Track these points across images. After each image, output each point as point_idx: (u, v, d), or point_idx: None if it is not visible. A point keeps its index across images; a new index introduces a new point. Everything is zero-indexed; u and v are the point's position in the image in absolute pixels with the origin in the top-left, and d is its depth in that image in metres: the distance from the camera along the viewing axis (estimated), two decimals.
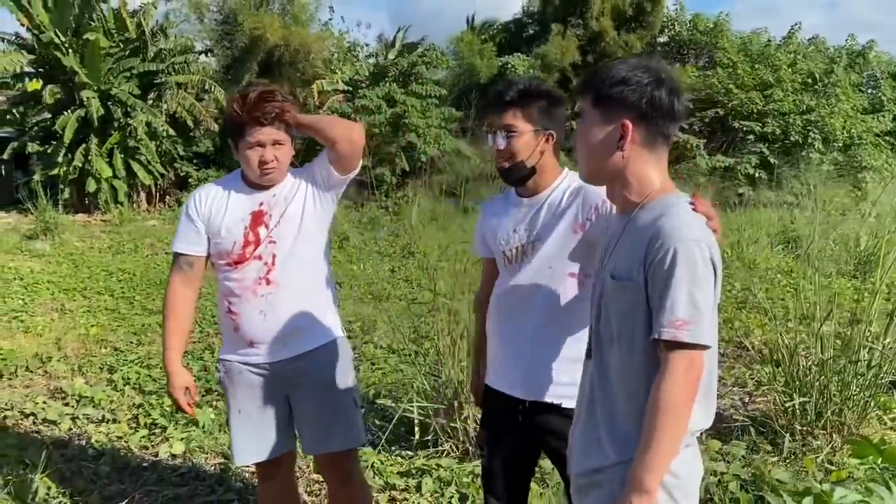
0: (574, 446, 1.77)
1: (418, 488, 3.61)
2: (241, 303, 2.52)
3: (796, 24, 23.63)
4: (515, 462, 2.36)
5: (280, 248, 2.50)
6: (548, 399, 2.21)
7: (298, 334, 2.54)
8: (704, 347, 1.51)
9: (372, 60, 22.73)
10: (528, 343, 2.24)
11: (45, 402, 4.78)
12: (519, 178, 2.26)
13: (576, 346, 2.13)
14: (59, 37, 17.38)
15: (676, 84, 1.65)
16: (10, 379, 5.33)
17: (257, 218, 2.51)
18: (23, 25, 18.05)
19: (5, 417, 4.55)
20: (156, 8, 19.54)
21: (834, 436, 4.00)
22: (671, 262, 1.50)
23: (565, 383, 2.15)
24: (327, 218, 2.63)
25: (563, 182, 2.27)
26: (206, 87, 18.95)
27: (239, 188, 2.57)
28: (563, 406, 2.17)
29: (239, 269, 2.51)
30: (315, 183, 2.57)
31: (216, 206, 2.55)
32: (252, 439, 2.62)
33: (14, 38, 18.75)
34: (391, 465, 3.85)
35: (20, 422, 4.51)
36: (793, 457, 3.88)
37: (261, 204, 2.52)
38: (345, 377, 2.64)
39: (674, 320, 1.49)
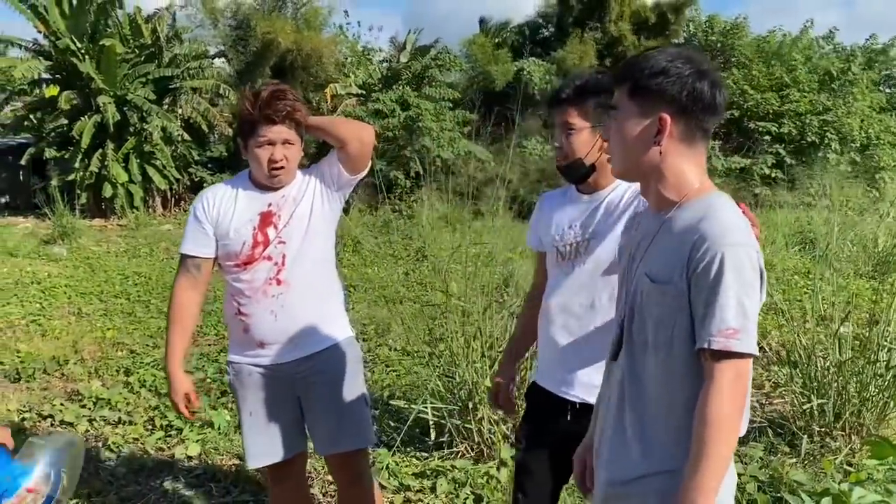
0: (600, 455, 1.69)
1: (433, 489, 3.61)
2: (252, 304, 2.51)
3: (808, 21, 23.49)
4: (554, 461, 2.31)
5: (290, 248, 2.51)
6: (592, 401, 2.14)
7: (309, 334, 2.55)
8: (751, 356, 1.45)
9: (385, 64, 22.78)
10: (580, 344, 2.22)
11: (62, 405, 4.81)
12: (578, 176, 2.24)
13: None
14: (75, 43, 17.56)
15: (718, 76, 1.56)
16: (28, 381, 5.38)
17: (266, 218, 2.51)
18: (39, 32, 18.26)
19: (24, 419, 4.59)
20: (171, 13, 19.70)
21: (853, 437, 3.97)
22: (718, 268, 1.43)
23: None
24: (335, 218, 2.65)
25: (623, 184, 2.19)
26: (221, 91, 19.07)
27: (247, 188, 2.56)
28: None
29: (248, 271, 2.51)
30: (324, 183, 2.57)
31: (224, 208, 2.54)
32: (264, 441, 2.62)
33: (31, 44, 18.97)
34: (406, 466, 3.85)
35: (38, 423, 4.55)
36: (811, 458, 3.85)
37: (269, 205, 2.52)
38: (355, 377, 2.64)
39: (724, 329, 1.41)
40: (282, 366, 2.55)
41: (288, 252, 2.50)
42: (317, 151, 12.98)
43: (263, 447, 2.62)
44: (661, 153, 1.55)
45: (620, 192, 2.20)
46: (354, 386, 2.63)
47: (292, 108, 2.44)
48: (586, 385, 2.18)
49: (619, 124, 1.60)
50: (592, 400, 2.09)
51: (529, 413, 2.44)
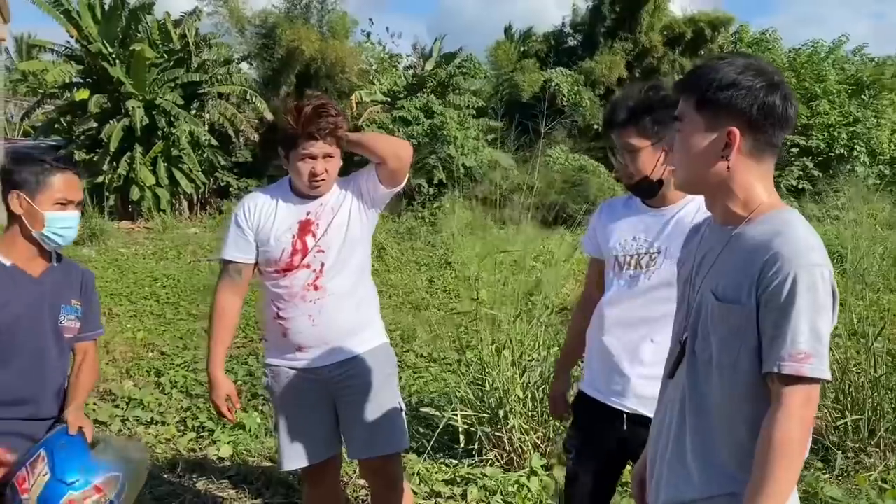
0: (657, 475, 1.65)
1: (464, 496, 3.62)
2: (290, 308, 2.56)
3: (843, 36, 23.25)
4: (604, 471, 2.35)
5: (328, 256, 2.56)
6: (647, 413, 2.15)
7: (346, 339, 2.60)
8: (822, 381, 1.40)
9: (410, 71, 22.90)
10: (636, 357, 2.22)
11: (95, 404, 4.88)
12: (648, 192, 2.25)
13: None
14: (106, 47, 17.86)
15: (789, 89, 1.50)
16: None
17: (305, 227, 2.56)
18: (72, 37, 18.59)
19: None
20: (199, 20, 19.95)
21: (888, 454, 3.92)
22: (791, 289, 1.38)
23: None
24: (371, 227, 2.70)
25: (695, 201, 2.18)
26: (248, 97, 19.27)
27: (287, 197, 2.62)
28: None
29: (287, 277, 2.56)
30: (361, 195, 2.63)
31: (265, 215, 2.59)
32: (299, 444, 2.66)
33: (64, 49, 19.31)
34: (436, 472, 3.86)
35: None
36: (844, 474, 3.81)
37: (308, 213, 2.58)
38: (390, 382, 2.69)
39: (796, 353, 1.37)
40: (319, 370, 2.60)
41: (326, 260, 2.56)
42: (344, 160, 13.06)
43: (299, 450, 2.66)
44: (728, 168, 1.50)
45: (692, 208, 2.18)
46: (389, 391, 2.67)
47: (334, 126, 2.48)
48: (640, 396, 2.19)
49: (685, 136, 1.55)
50: (645, 411, 2.12)
51: (578, 423, 2.45)
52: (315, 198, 2.58)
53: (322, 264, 2.55)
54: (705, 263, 1.58)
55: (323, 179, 2.52)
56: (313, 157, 2.49)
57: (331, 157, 2.52)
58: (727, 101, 1.47)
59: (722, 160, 1.50)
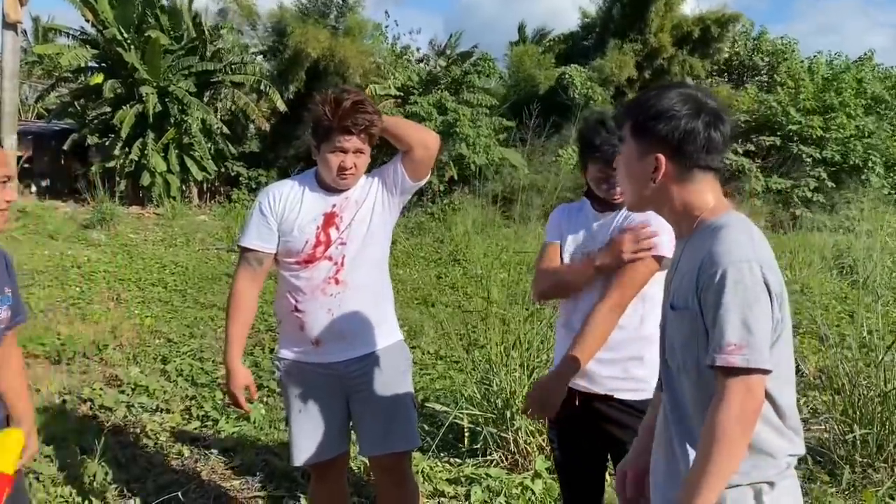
0: (656, 481, 1.71)
1: (467, 497, 3.60)
2: (309, 301, 2.54)
3: (869, 51, 23.07)
4: (587, 454, 2.52)
5: (350, 249, 2.55)
6: (600, 391, 2.40)
7: (363, 335, 2.59)
8: (764, 372, 1.45)
9: (423, 66, 22.86)
10: None
11: (101, 389, 4.89)
12: (611, 207, 2.44)
13: (631, 346, 2.37)
14: (121, 33, 17.87)
15: (718, 113, 1.59)
16: (68, 364, 5.48)
17: (329, 219, 2.55)
18: (87, 21, 18.61)
19: (64, 401, 4.67)
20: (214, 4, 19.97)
21: (895, 469, 3.88)
22: (719, 284, 1.46)
23: (618, 378, 2.38)
24: (392, 222, 2.69)
25: None
26: (262, 87, 19.27)
27: (313, 188, 2.60)
28: (615, 397, 2.39)
29: (308, 269, 2.55)
30: (386, 187, 2.61)
31: (290, 205, 2.57)
32: (312, 439, 2.64)
33: (79, 33, 19.34)
34: (440, 471, 3.85)
35: (78, 406, 4.63)
36: (851, 489, 3.78)
37: (333, 206, 2.56)
38: (404, 379, 2.68)
39: (726, 346, 1.43)
40: (335, 364, 2.58)
41: (348, 253, 2.54)
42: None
43: (311, 445, 2.64)
44: (656, 189, 1.62)
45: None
46: (403, 388, 2.66)
47: (370, 123, 2.46)
48: (589, 376, 2.39)
49: (624, 160, 1.69)
50: (596, 389, 2.40)
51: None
52: (341, 191, 2.57)
53: (343, 257, 2.54)
54: (669, 278, 1.71)
55: (351, 174, 2.51)
56: (344, 151, 2.47)
57: (361, 153, 2.51)
58: (653, 129, 1.59)
59: (653, 182, 1.62)
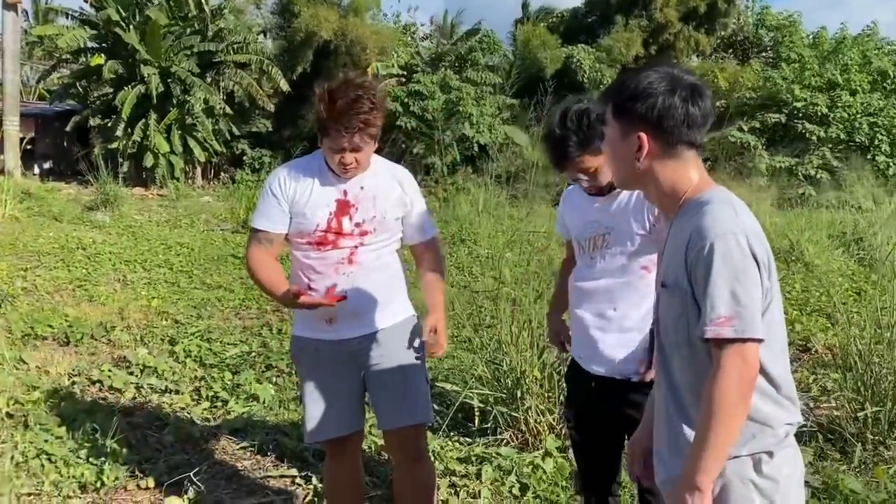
0: (660, 457, 1.73)
1: (478, 475, 3.60)
2: (323, 279, 2.56)
3: (872, 23, 22.83)
4: (603, 433, 2.55)
5: (364, 238, 2.58)
6: (617, 376, 2.43)
7: (375, 312, 2.61)
8: (757, 341, 1.47)
9: (426, 44, 22.69)
10: (600, 325, 2.46)
11: (110, 370, 4.89)
12: (611, 189, 2.48)
13: (644, 327, 2.38)
14: (119, 13, 17.73)
15: (694, 89, 1.61)
16: (76, 346, 5.48)
17: (343, 207, 2.56)
18: (86, 1, 18.48)
19: (74, 383, 4.67)
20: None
21: None
22: (707, 258, 1.49)
23: (633, 360, 2.41)
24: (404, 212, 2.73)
25: None
26: (265, 67, 19.15)
27: (324, 172, 2.59)
28: (631, 380, 2.42)
29: (321, 251, 2.56)
30: (402, 209, 2.66)
31: (301, 187, 2.56)
32: (327, 416, 2.65)
33: (78, 13, 19.20)
34: (451, 450, 3.84)
35: (88, 388, 4.63)
36: (863, 466, 3.77)
37: (345, 192, 2.57)
38: (417, 355, 2.71)
39: (716, 318, 1.46)
40: (349, 341, 2.60)
41: (363, 241, 2.58)
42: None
43: (326, 421, 2.66)
44: (643, 168, 1.65)
45: (627, 191, 2.42)
46: (418, 363, 2.69)
47: (365, 123, 2.42)
48: (605, 359, 2.43)
49: (608, 141, 1.72)
50: (611, 373, 2.43)
51: (571, 392, 2.70)
52: (351, 177, 2.57)
53: (358, 244, 2.57)
54: (661, 256, 1.75)
55: (353, 167, 2.51)
56: (342, 150, 2.45)
57: (359, 150, 2.47)
58: (633, 108, 1.63)
59: (637, 161, 1.65)
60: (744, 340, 1.46)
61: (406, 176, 2.72)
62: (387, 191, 2.62)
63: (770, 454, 1.56)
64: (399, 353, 2.64)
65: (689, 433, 1.58)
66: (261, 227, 2.59)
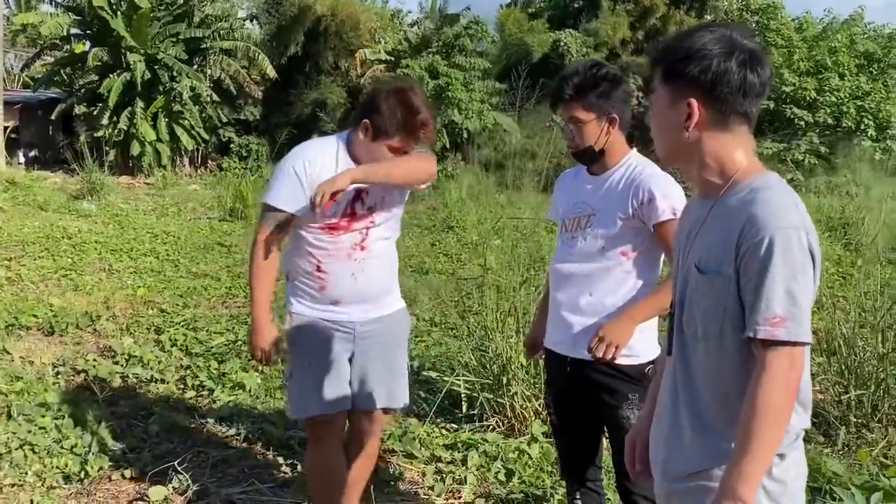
0: (658, 452, 1.67)
1: (464, 462, 3.61)
2: (334, 263, 2.64)
3: (860, 8, 22.83)
4: (582, 418, 2.55)
5: (375, 223, 2.68)
6: (590, 358, 2.40)
7: (379, 298, 2.75)
8: (805, 344, 1.40)
9: (415, 30, 22.56)
10: (576, 308, 2.46)
11: (95, 360, 4.86)
12: (590, 160, 2.47)
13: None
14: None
15: (753, 54, 1.48)
16: (61, 335, 5.44)
17: (358, 193, 2.63)
18: None
19: (58, 373, 4.64)
20: None
21: (890, 430, 3.91)
22: (766, 252, 1.38)
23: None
24: (405, 200, 2.85)
25: (624, 165, 2.44)
26: (251, 54, 19.00)
27: (347, 159, 2.63)
28: (605, 362, 2.39)
29: (334, 235, 2.63)
30: (403, 194, 2.80)
31: (325, 172, 2.58)
32: (320, 392, 2.70)
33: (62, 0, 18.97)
34: (437, 437, 3.85)
35: (72, 378, 4.60)
36: (846, 449, 3.80)
37: None
38: (405, 342, 2.91)
39: (770, 317, 1.38)
40: (351, 324, 2.70)
41: (373, 227, 2.68)
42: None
43: (318, 398, 2.69)
44: (690, 139, 1.52)
45: (620, 174, 2.42)
46: (404, 351, 2.87)
47: (432, 142, 2.69)
48: (579, 343, 2.42)
49: (655, 109, 1.58)
50: (586, 356, 2.40)
51: (550, 377, 2.71)
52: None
53: (369, 229, 2.66)
54: (690, 238, 1.60)
55: None
56: (401, 152, 2.59)
57: (408, 153, 2.63)
58: (684, 71, 1.49)
59: (685, 131, 1.52)
60: (794, 344, 1.38)
61: None
62: None
63: (781, 456, 1.50)
64: (393, 340, 2.79)
65: (696, 427, 1.53)
66: (279, 205, 2.59)
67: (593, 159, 2.45)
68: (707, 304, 1.50)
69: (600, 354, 2.33)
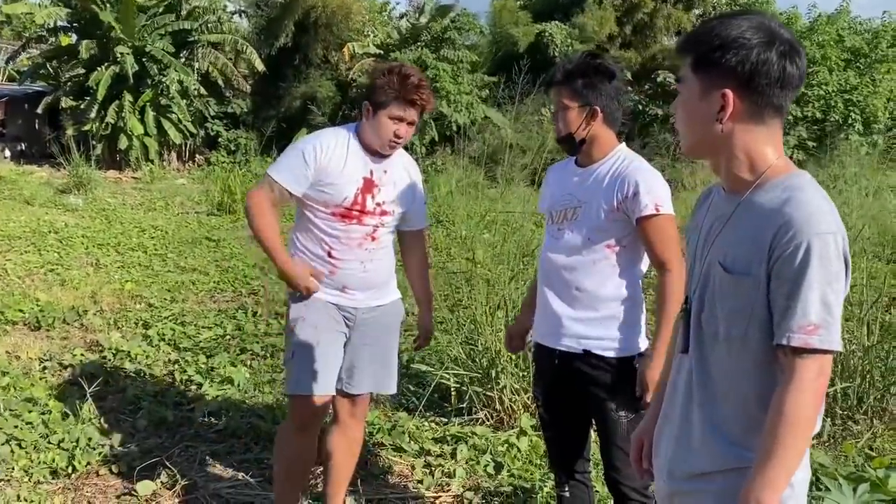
0: (663, 450, 1.63)
1: (453, 455, 3.62)
2: (346, 251, 2.71)
3: (844, 2, 22.90)
4: (570, 412, 2.57)
5: (385, 217, 2.78)
6: (579, 349, 2.43)
7: (383, 287, 2.85)
8: (834, 353, 1.37)
9: (403, 23, 22.51)
10: (564, 300, 2.46)
11: (82, 355, 4.84)
12: (571, 148, 2.47)
13: (610, 305, 2.41)
14: None
15: (792, 45, 1.42)
16: (48, 330, 5.41)
17: (368, 185, 2.71)
18: None
19: (45, 368, 4.61)
20: None
21: (875, 422, 3.95)
22: (803, 258, 1.33)
23: (595, 337, 2.41)
24: (419, 200, 2.96)
25: (612, 159, 2.43)
26: (239, 47, 18.89)
27: (356, 148, 2.72)
28: (592, 352, 2.42)
29: (346, 224, 2.70)
30: (413, 195, 2.89)
31: (336, 159, 2.67)
32: (322, 371, 2.75)
33: None
34: (426, 430, 3.86)
35: (59, 373, 4.58)
36: (832, 441, 3.83)
37: (372, 172, 2.73)
38: (398, 332, 2.99)
39: (805, 325, 1.33)
40: (356, 310, 2.78)
41: (384, 220, 2.77)
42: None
43: (319, 377, 2.73)
44: (723, 131, 1.45)
45: (607, 167, 2.42)
46: (396, 339, 2.97)
47: (427, 102, 2.68)
48: (569, 335, 2.44)
49: (683, 100, 1.51)
50: (575, 348, 2.44)
51: (538, 370, 2.72)
52: (379, 158, 2.73)
53: (381, 222, 2.76)
54: (712, 233, 1.53)
55: (400, 143, 2.71)
56: (402, 120, 2.65)
57: (413, 124, 2.70)
58: (719, 60, 1.42)
59: (718, 123, 1.45)
60: (825, 352, 1.35)
61: (412, 163, 2.93)
62: (403, 179, 2.82)
63: None
64: (388, 328, 2.89)
65: (709, 428, 1.50)
66: (280, 180, 2.66)
67: (574, 148, 2.46)
68: (732, 305, 1.45)
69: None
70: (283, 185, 2.67)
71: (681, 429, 1.56)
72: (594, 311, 2.41)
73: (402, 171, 2.83)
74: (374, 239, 2.74)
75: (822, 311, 1.34)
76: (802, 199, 1.38)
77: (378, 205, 2.72)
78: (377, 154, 2.72)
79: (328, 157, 2.66)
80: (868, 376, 4.01)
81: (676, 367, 1.63)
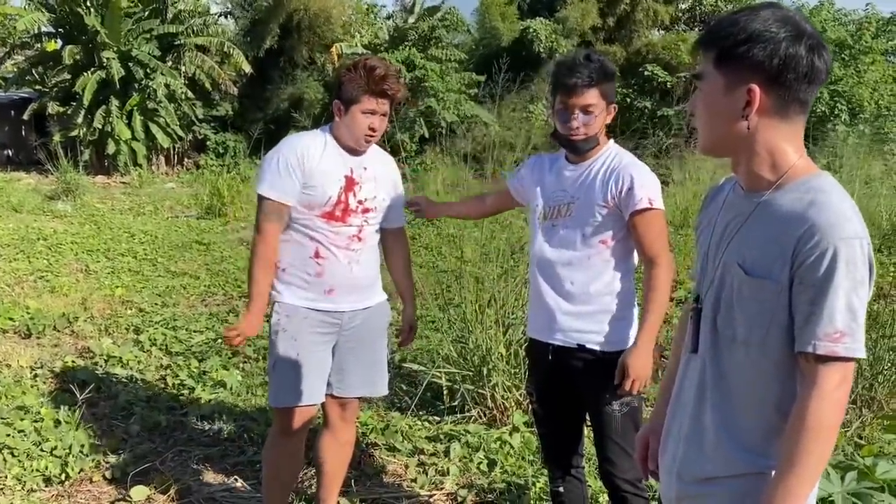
0: (671, 451, 1.60)
1: (447, 453, 3.64)
2: (334, 251, 2.70)
3: None
4: (564, 407, 2.59)
5: (369, 215, 2.77)
6: (572, 343, 2.46)
7: (368, 289, 2.83)
8: (857, 360, 1.34)
9: (391, 23, 22.47)
10: (558, 295, 2.48)
11: (73, 362, 4.83)
12: (585, 149, 2.46)
13: (603, 300, 2.44)
14: None
15: (817, 39, 1.38)
16: (38, 338, 5.39)
17: (350, 184, 2.71)
18: None
19: (36, 376, 4.60)
20: None
21: (863, 411, 3.99)
22: (830, 264, 1.30)
23: (589, 331, 2.44)
24: (397, 196, 2.96)
25: (605, 154, 2.46)
26: (226, 49, 18.81)
27: (333, 148, 2.72)
28: (586, 346, 2.45)
29: (332, 224, 2.69)
30: (394, 190, 2.90)
31: (315, 160, 2.66)
32: (302, 382, 2.73)
33: None
34: (419, 429, 3.87)
35: (51, 380, 4.56)
36: None
37: (352, 170, 2.72)
38: (385, 333, 2.98)
39: (831, 332, 1.30)
40: (341, 314, 2.76)
41: (368, 218, 2.76)
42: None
43: (303, 388, 2.72)
44: (748, 128, 1.40)
45: (600, 163, 2.44)
46: (384, 341, 2.96)
47: (396, 92, 2.66)
48: (563, 330, 2.47)
49: (705, 96, 1.46)
50: (569, 343, 2.46)
51: (532, 366, 2.73)
52: (357, 155, 2.72)
53: (365, 221, 2.75)
54: (728, 232, 1.49)
55: (375, 136, 2.70)
56: (374, 113, 2.64)
57: (385, 115, 2.69)
58: (745, 54, 1.37)
59: (743, 120, 1.40)
60: (849, 359, 1.32)
61: (390, 160, 2.93)
62: (383, 174, 2.82)
63: None
64: (375, 330, 2.88)
65: (722, 432, 1.47)
66: (275, 197, 2.64)
67: (588, 148, 2.45)
68: (753, 309, 1.41)
69: (628, 389, 2.36)
70: (278, 202, 2.64)
71: (691, 430, 1.53)
72: (588, 306, 2.44)
73: (380, 166, 2.83)
74: (360, 239, 2.73)
75: (847, 318, 1.31)
76: (827, 202, 1.34)
77: (360, 202, 2.71)
78: (354, 151, 2.72)
79: (309, 158, 2.65)
80: (857, 366, 4.04)
81: (684, 367, 1.60)
